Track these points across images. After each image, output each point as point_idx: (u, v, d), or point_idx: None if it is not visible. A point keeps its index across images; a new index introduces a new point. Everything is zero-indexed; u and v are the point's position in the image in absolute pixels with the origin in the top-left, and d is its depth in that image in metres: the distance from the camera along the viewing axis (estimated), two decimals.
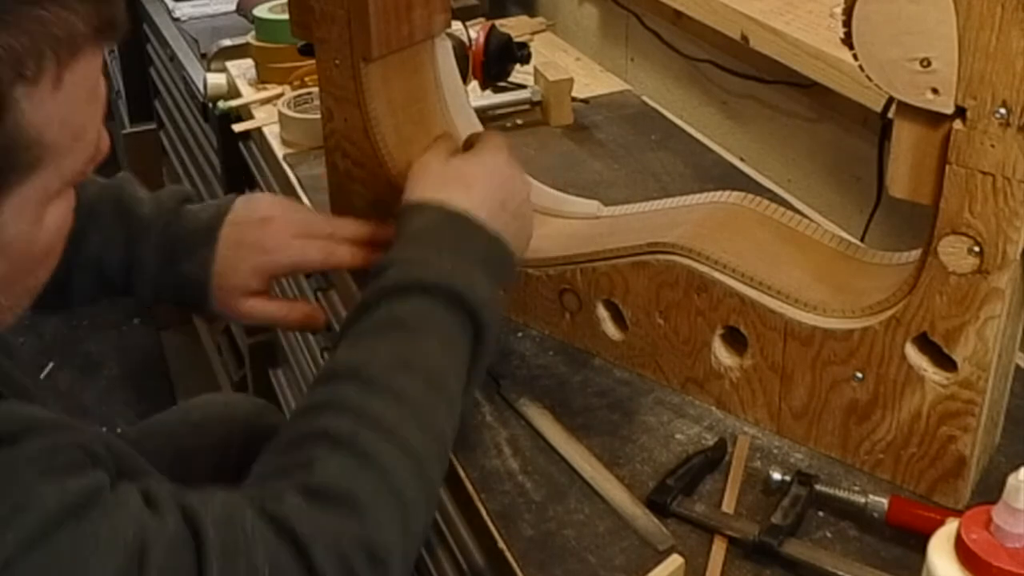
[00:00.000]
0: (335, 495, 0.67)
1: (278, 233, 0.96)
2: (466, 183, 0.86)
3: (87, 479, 0.61)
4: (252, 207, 0.98)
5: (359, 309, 0.79)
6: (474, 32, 1.47)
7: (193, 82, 1.83)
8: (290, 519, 0.65)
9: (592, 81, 1.65)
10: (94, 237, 0.93)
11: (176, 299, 0.97)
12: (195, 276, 0.94)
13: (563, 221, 1.07)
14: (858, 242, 0.99)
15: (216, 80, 1.68)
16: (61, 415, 0.66)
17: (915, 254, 0.80)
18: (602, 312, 0.99)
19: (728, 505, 0.83)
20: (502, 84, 1.53)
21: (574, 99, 1.50)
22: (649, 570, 0.77)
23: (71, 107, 0.62)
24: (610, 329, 0.99)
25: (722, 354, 0.92)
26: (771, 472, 0.84)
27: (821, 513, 0.83)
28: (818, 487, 0.82)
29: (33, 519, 0.57)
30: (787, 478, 0.83)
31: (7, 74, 0.57)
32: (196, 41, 1.92)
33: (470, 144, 0.95)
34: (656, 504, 0.83)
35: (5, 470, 0.58)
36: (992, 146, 0.70)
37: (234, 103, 1.60)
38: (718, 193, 0.98)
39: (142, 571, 0.59)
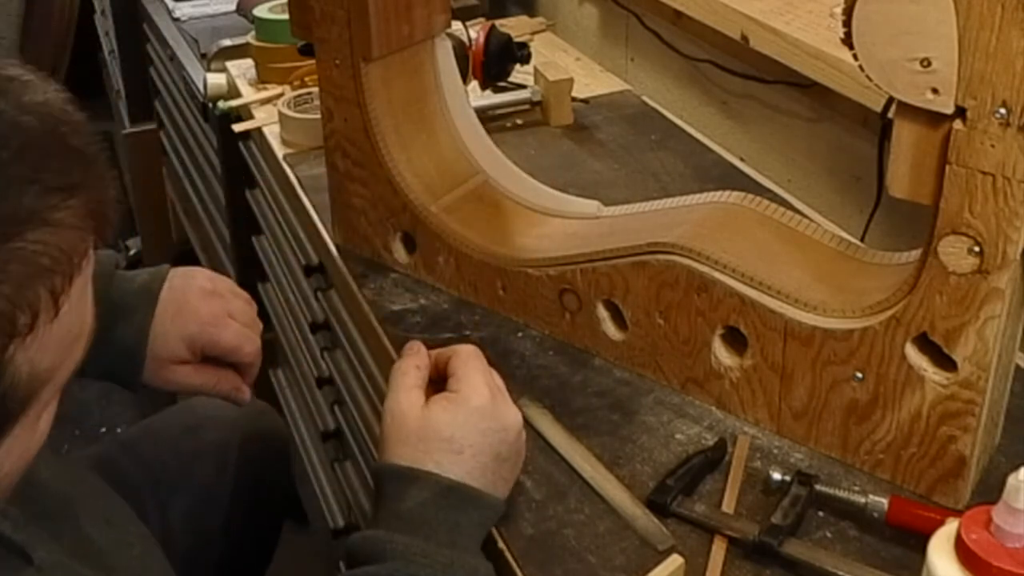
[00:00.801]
0: None
1: (219, 308, 0.94)
2: (456, 447, 0.78)
3: None
4: (192, 275, 0.96)
5: None
6: (474, 32, 1.47)
7: (193, 82, 1.83)
8: None
9: (592, 81, 1.65)
10: None
11: (104, 370, 0.90)
12: (130, 341, 0.91)
13: (563, 221, 1.07)
14: (858, 242, 0.99)
15: (216, 80, 1.68)
16: None
17: (915, 254, 0.80)
18: (602, 312, 0.99)
19: (728, 505, 0.83)
20: (502, 84, 1.53)
21: (574, 99, 1.50)
22: (649, 570, 0.77)
23: (69, 325, 0.56)
24: (610, 329, 0.99)
25: (722, 354, 0.92)
26: (771, 472, 0.84)
27: (821, 513, 0.83)
28: (818, 487, 0.82)
29: None
30: (787, 478, 0.83)
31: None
32: (196, 41, 1.92)
33: (444, 362, 0.84)
34: (656, 504, 0.83)
35: None
36: (992, 146, 0.70)
37: (234, 103, 1.60)
38: (718, 193, 0.98)
39: None
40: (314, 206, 1.28)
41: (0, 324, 0.51)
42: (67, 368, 0.58)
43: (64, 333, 0.56)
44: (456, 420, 0.79)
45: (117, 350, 0.90)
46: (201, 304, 0.94)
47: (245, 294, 0.99)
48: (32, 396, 0.56)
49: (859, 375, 0.83)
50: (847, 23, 0.73)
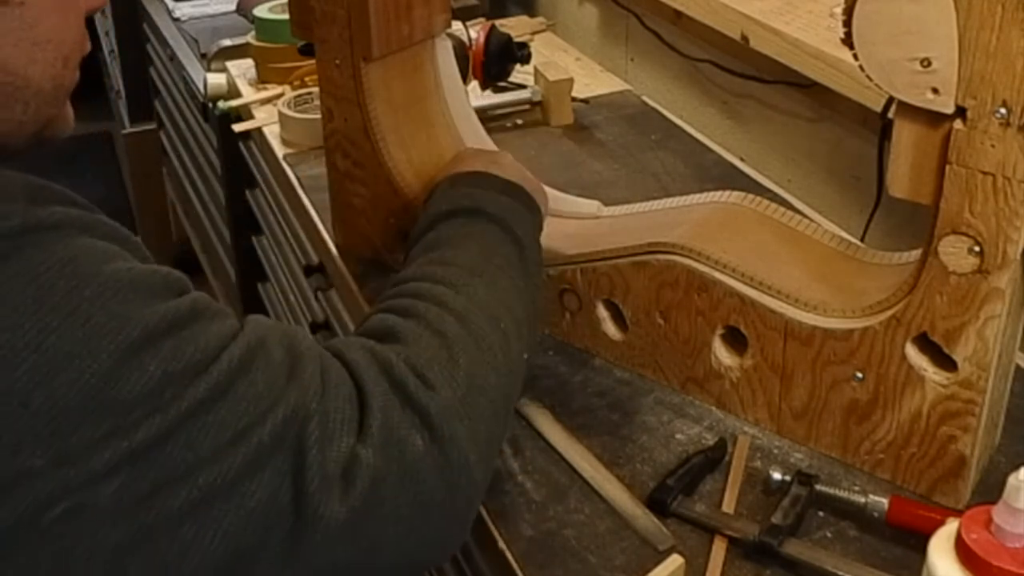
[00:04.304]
0: (379, 333, 0.73)
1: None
2: (457, 160, 0.99)
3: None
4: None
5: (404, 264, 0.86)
6: (474, 32, 1.47)
7: (193, 82, 1.83)
8: (335, 347, 0.69)
9: (592, 81, 1.65)
10: None
11: None
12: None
13: (563, 221, 1.06)
14: (858, 242, 0.99)
15: (216, 80, 1.68)
16: None
17: (915, 254, 0.80)
18: (602, 312, 0.99)
19: (728, 505, 0.83)
20: (502, 84, 1.53)
21: (574, 99, 1.50)
22: (649, 570, 0.77)
23: None
24: (610, 329, 0.99)
25: (722, 354, 0.92)
26: (771, 472, 0.84)
27: (821, 513, 0.83)
28: (818, 487, 0.82)
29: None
30: (787, 478, 0.83)
31: None
32: (196, 41, 1.92)
33: None
34: (656, 504, 0.83)
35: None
36: (992, 146, 0.70)
37: (234, 103, 1.61)
38: (718, 193, 0.98)
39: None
40: (314, 206, 1.28)
41: None
42: None
43: None
44: (459, 153, 1.03)
45: None
46: None
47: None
48: None
49: (859, 375, 0.83)
50: (847, 23, 0.73)
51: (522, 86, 1.54)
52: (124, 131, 2.66)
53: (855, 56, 0.74)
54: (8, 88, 0.65)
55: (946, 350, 0.78)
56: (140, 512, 0.55)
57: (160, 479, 0.56)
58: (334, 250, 1.18)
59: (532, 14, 1.95)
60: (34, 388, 0.53)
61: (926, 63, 0.70)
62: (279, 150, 1.44)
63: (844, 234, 0.99)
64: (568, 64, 1.68)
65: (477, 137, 1.13)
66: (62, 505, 0.53)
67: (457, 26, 1.42)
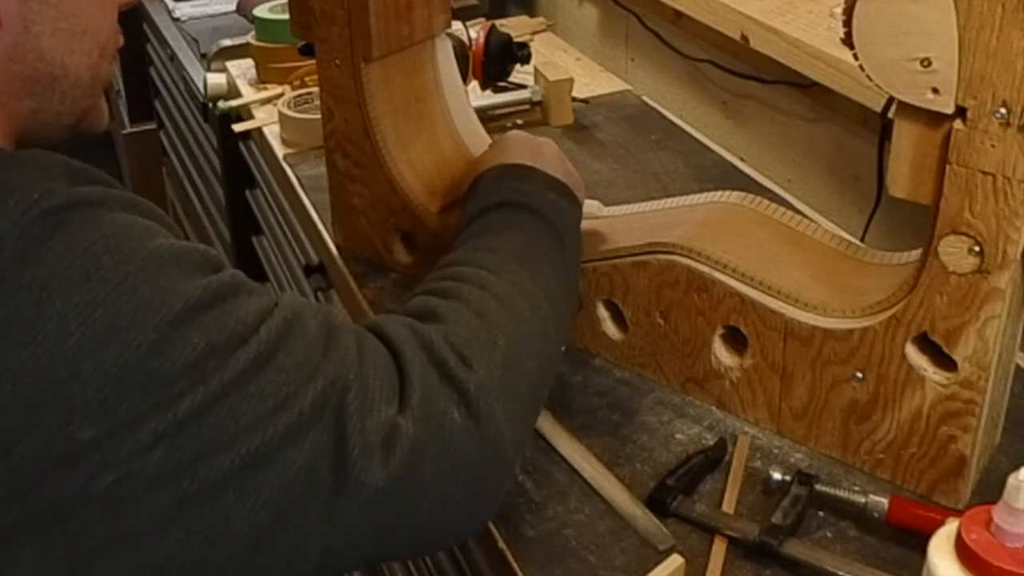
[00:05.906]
0: (420, 312, 0.73)
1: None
2: (501, 149, 0.96)
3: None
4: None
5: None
6: (474, 32, 1.47)
7: (193, 82, 1.83)
8: (375, 322, 0.71)
9: (592, 81, 1.65)
10: None
11: None
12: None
13: None
14: (858, 242, 0.99)
15: (216, 80, 1.68)
16: None
17: (915, 254, 0.80)
18: (602, 312, 0.99)
19: (728, 505, 0.83)
20: (502, 84, 1.53)
21: (574, 99, 1.50)
22: (649, 570, 0.77)
23: None
24: (610, 329, 0.99)
25: (722, 354, 0.92)
26: (771, 472, 0.84)
27: (821, 513, 0.83)
28: (818, 487, 0.82)
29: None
30: (787, 478, 0.83)
31: None
32: (196, 41, 1.92)
33: None
34: (656, 504, 0.83)
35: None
36: (992, 146, 0.70)
37: (234, 103, 1.61)
38: (718, 193, 0.98)
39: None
40: (314, 206, 1.28)
41: None
42: None
43: None
44: (496, 141, 0.99)
45: None
46: None
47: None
48: None
49: (859, 375, 0.83)
50: (847, 23, 0.73)
51: (522, 86, 1.54)
52: (124, 131, 2.67)
53: (855, 56, 0.74)
54: (47, 78, 0.67)
55: (946, 350, 0.78)
56: (184, 479, 0.56)
57: (203, 448, 0.57)
58: (334, 250, 1.18)
59: (532, 14, 1.95)
60: (83, 359, 0.54)
61: (926, 63, 0.70)
62: (279, 150, 1.44)
63: (844, 234, 0.99)
64: (568, 64, 1.68)
65: (477, 137, 1.13)
66: (111, 476, 0.55)
67: (457, 26, 1.42)
